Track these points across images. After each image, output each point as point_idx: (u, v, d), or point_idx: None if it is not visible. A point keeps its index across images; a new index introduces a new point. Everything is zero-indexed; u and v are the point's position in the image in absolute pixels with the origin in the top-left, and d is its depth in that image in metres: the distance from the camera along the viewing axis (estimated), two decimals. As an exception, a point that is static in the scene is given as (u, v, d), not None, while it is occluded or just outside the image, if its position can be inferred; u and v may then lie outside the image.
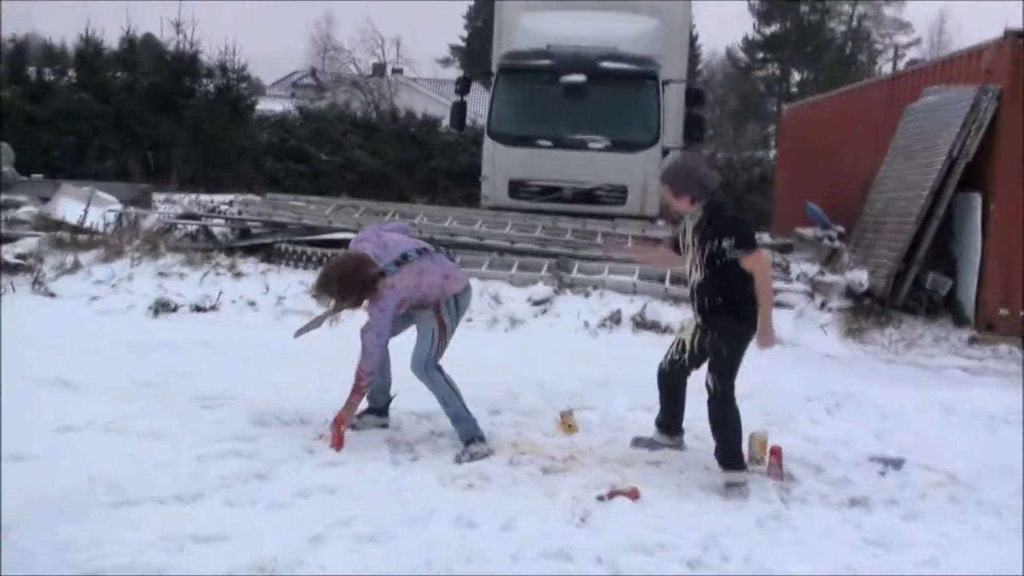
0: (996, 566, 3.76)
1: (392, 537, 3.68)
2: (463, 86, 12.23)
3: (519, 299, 8.23)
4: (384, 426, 5.09)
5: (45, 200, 10.75)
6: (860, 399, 6.08)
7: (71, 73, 18.29)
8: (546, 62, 10.81)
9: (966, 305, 8.34)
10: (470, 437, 4.79)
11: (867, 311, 8.33)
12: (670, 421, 5.00)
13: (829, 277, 9.06)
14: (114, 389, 5.32)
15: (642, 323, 7.88)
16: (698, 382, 4.71)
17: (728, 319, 4.51)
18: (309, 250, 9.26)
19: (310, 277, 8.49)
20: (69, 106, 17.19)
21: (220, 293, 8.10)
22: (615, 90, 10.71)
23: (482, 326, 7.69)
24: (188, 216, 10.73)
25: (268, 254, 9.41)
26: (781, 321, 7.87)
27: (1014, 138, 8.10)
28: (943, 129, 8.51)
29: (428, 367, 4.77)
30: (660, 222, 10.52)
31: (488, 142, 11.03)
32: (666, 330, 7.55)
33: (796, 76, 45.09)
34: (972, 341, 8.06)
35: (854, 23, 44.76)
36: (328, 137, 18.74)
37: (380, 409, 5.13)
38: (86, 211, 10.01)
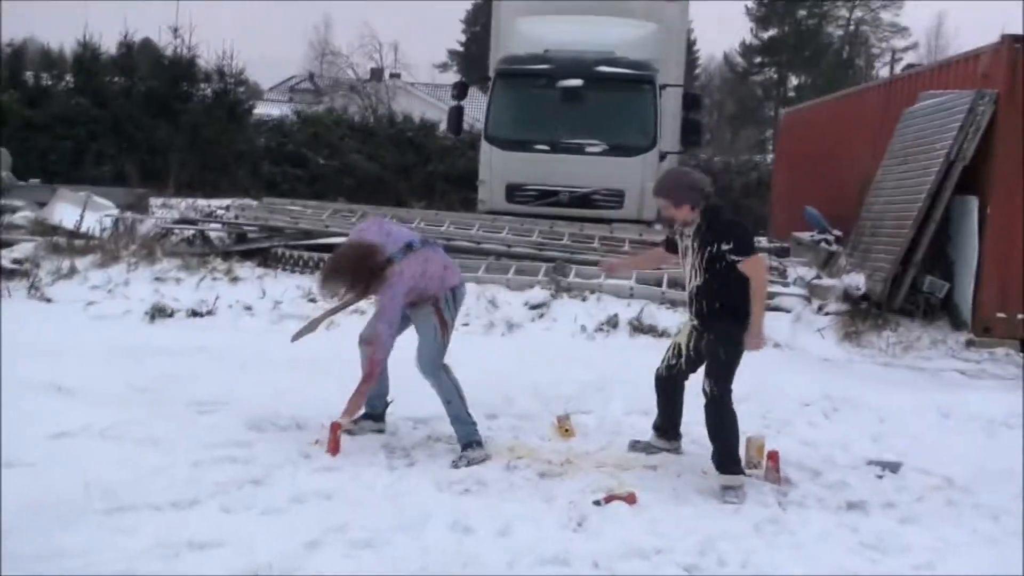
0: (993, 570, 3.77)
1: (388, 543, 3.67)
2: (460, 91, 12.23)
3: (516, 303, 8.22)
4: (381, 431, 5.08)
5: (42, 205, 10.74)
6: (857, 403, 6.08)
7: (68, 78, 18.27)
8: (543, 66, 10.81)
9: (963, 308, 8.34)
10: (468, 441, 4.79)
11: (864, 315, 8.32)
12: (668, 426, 5.00)
13: (826, 281, 9.05)
14: (110, 395, 5.31)
15: (639, 327, 7.87)
16: (696, 386, 4.71)
17: (726, 323, 4.52)
18: (306, 255, 9.25)
19: (307, 282, 8.49)
20: (66, 111, 17.18)
21: (216, 298, 8.09)
22: (612, 94, 10.72)
23: (479, 330, 7.68)
24: (185, 221, 10.72)
25: (265, 259, 9.40)
26: (778, 325, 7.90)
27: (1011, 141, 8.10)
28: (940, 133, 8.52)
29: (435, 365, 4.78)
30: (657, 226, 10.51)
31: (485, 146, 11.03)
32: (663, 334, 7.55)
33: (793, 80, 45.23)
34: (969, 344, 8.06)
35: (851, 27, 44.90)
36: (325, 141, 18.73)
37: (377, 415, 5.12)
38: (82, 216, 10.00)
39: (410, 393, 5.06)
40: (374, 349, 4.69)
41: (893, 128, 9.87)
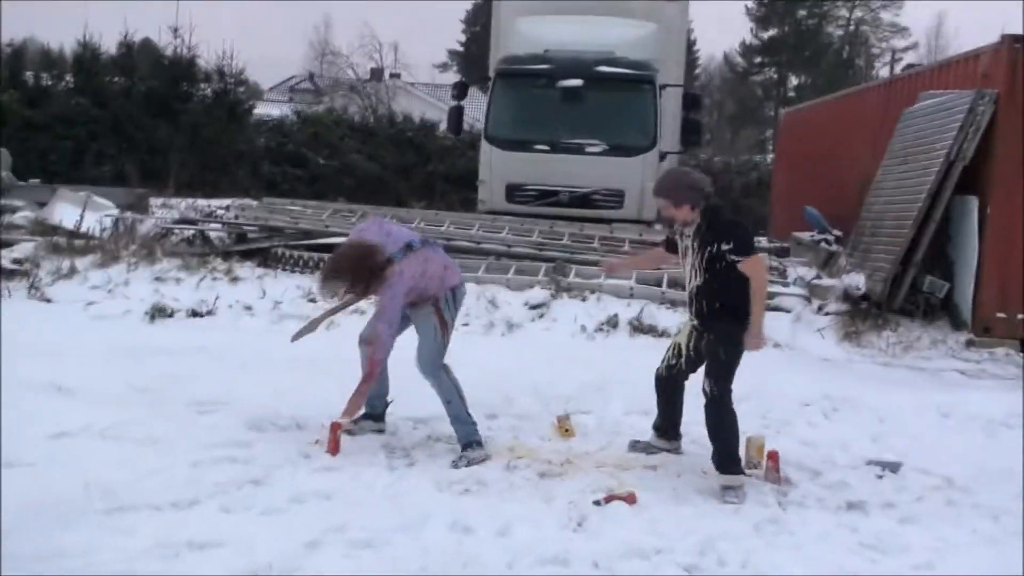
0: (993, 570, 3.76)
1: (387, 543, 3.67)
2: (460, 91, 12.23)
3: (516, 303, 8.22)
4: (381, 431, 5.08)
5: (42, 205, 10.74)
6: (857, 403, 6.08)
7: (68, 78, 18.27)
8: (543, 66, 10.81)
9: (963, 308, 8.33)
10: (468, 441, 4.79)
11: (864, 315, 8.32)
12: (668, 426, 5.00)
13: (826, 281, 9.05)
14: (110, 395, 5.31)
15: (639, 327, 7.87)
16: (695, 386, 4.71)
17: (726, 322, 4.52)
18: (306, 255, 9.25)
19: (307, 282, 8.49)
20: (66, 111, 17.18)
21: (216, 298, 8.09)
22: (612, 94, 10.71)
23: (479, 330, 7.68)
24: (185, 221, 10.72)
25: (265, 259, 9.40)
26: (778, 325, 7.90)
27: (1011, 141, 8.10)
28: (940, 133, 8.52)
29: (435, 365, 4.78)
30: (657, 226, 10.51)
31: (485, 146, 11.03)
32: (663, 334, 7.55)
33: (793, 80, 45.24)
34: (969, 344, 8.06)
35: (851, 27, 44.89)
36: (326, 141, 18.73)
37: (377, 415, 5.12)
38: (82, 216, 10.00)
39: (410, 393, 5.05)
40: (374, 349, 4.69)
41: (893, 128, 9.87)
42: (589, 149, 10.62)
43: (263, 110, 21.42)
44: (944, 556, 3.84)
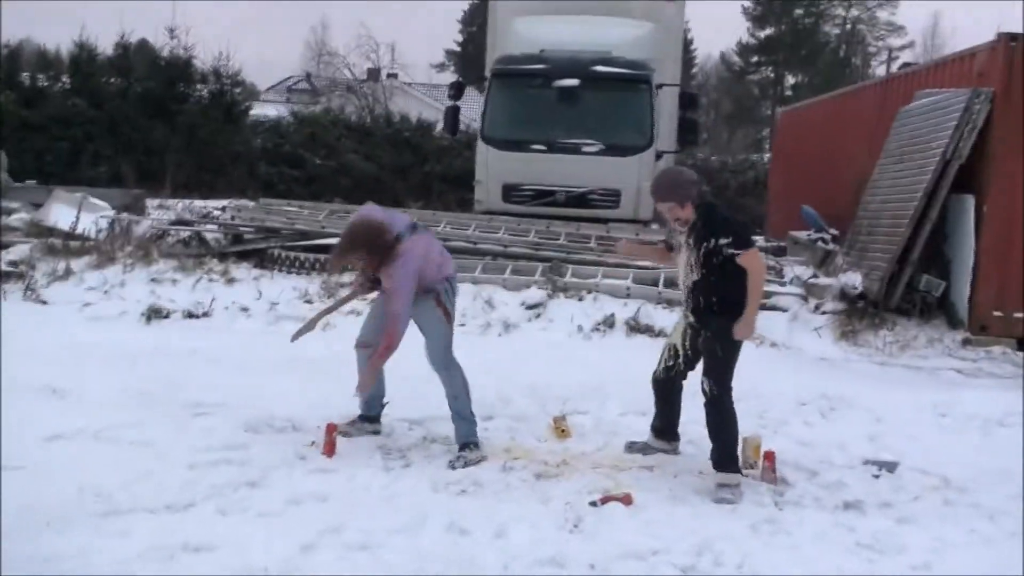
0: (991, 570, 3.76)
1: (383, 545, 3.66)
2: (456, 91, 12.23)
3: (512, 303, 8.21)
4: (376, 433, 5.07)
5: (37, 206, 10.72)
6: (854, 402, 6.07)
7: (65, 79, 18.23)
8: (540, 66, 10.81)
9: (960, 307, 8.34)
10: (465, 441, 4.78)
11: (861, 313, 8.32)
12: (666, 426, 4.99)
13: (823, 280, 9.05)
14: (105, 397, 5.30)
15: (635, 327, 7.87)
16: (694, 386, 4.70)
17: (723, 318, 4.51)
18: (302, 256, 9.23)
19: (303, 283, 8.49)
20: (63, 112, 17.14)
21: (213, 299, 8.08)
22: (609, 94, 10.71)
23: (475, 330, 7.67)
24: (181, 222, 10.70)
25: (261, 260, 9.38)
26: (775, 324, 7.91)
27: (1007, 140, 8.11)
28: (936, 132, 8.53)
29: (447, 356, 4.80)
30: (654, 226, 10.51)
31: (482, 146, 11.02)
32: (659, 334, 7.54)
33: (790, 79, 45.31)
34: (966, 343, 8.07)
35: (848, 26, 44.97)
36: (322, 142, 18.70)
37: (373, 417, 5.11)
38: (77, 217, 9.97)
39: (406, 395, 5.04)
40: (392, 323, 4.61)
41: (889, 127, 9.88)
42: (585, 149, 10.61)
43: (260, 111, 21.35)
44: (942, 556, 3.83)
